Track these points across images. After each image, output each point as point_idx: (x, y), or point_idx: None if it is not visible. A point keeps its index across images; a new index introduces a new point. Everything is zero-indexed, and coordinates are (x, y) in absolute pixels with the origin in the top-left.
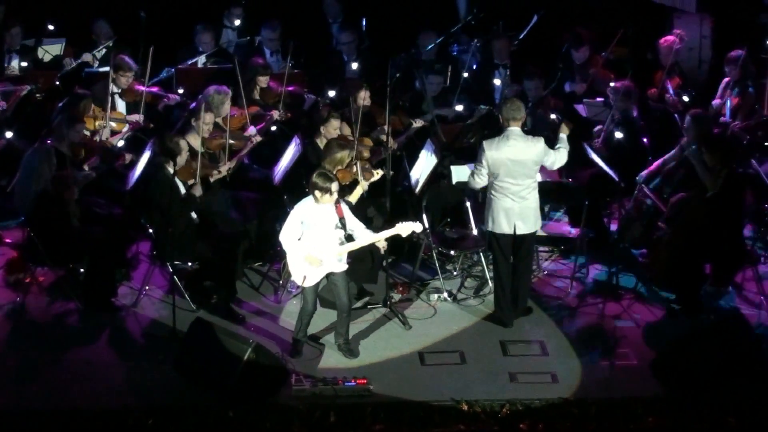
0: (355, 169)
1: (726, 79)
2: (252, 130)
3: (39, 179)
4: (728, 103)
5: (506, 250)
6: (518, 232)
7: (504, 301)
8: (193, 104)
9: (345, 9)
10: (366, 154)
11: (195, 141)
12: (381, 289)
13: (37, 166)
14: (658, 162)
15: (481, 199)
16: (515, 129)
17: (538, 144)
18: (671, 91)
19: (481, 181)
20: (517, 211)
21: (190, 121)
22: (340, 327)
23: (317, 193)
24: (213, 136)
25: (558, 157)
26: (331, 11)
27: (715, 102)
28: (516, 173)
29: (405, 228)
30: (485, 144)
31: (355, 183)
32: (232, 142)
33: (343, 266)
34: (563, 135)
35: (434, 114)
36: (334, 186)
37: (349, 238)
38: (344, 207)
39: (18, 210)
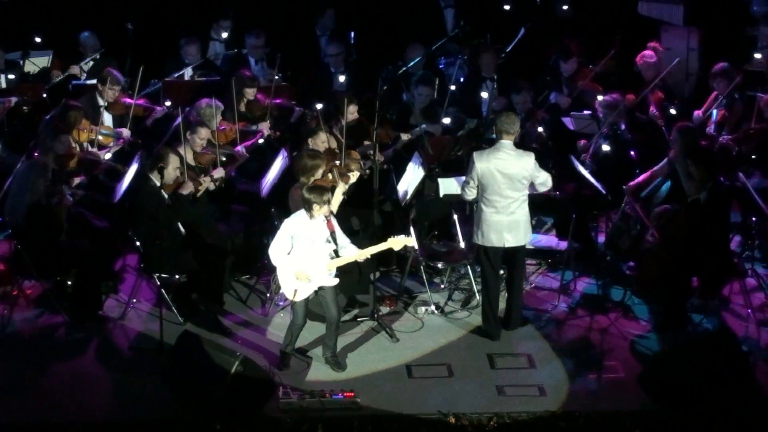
0: (330, 177)
1: (714, 93)
2: (240, 149)
3: (33, 193)
4: (714, 115)
5: (495, 263)
6: (507, 245)
7: (492, 315)
8: (179, 118)
9: (334, 22)
10: (354, 166)
11: (187, 155)
12: (368, 302)
13: (32, 180)
14: (646, 174)
15: (469, 212)
16: (507, 142)
17: (529, 159)
18: (653, 105)
19: (471, 194)
20: (506, 224)
21: (185, 135)
22: (329, 339)
23: (315, 207)
24: (204, 151)
25: (546, 179)
26: (324, 24)
27: (696, 114)
28: (504, 186)
29: (397, 242)
30: (475, 155)
31: (333, 192)
32: (223, 158)
33: (333, 281)
34: None
35: (423, 128)
36: (330, 196)
37: (339, 253)
38: (334, 221)
39: (7, 223)
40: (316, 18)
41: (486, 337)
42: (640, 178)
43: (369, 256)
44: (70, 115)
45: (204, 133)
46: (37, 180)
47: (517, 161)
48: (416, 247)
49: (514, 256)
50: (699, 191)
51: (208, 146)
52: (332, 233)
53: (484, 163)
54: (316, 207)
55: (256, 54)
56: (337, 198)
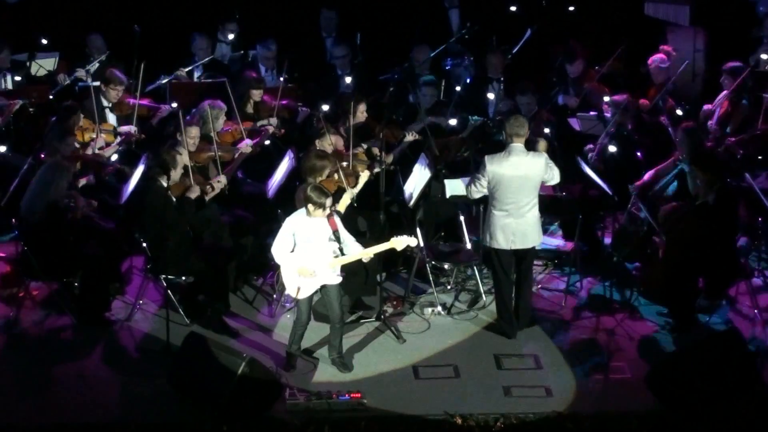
0: (337, 177)
1: (724, 92)
2: (247, 141)
3: (55, 192)
4: (717, 109)
5: (506, 265)
6: (515, 248)
7: (506, 313)
8: (188, 118)
9: (340, 23)
10: (360, 167)
11: (183, 155)
12: (375, 303)
13: (56, 179)
14: (651, 172)
15: (475, 213)
16: (518, 145)
17: (540, 159)
18: (664, 109)
19: (478, 192)
20: (515, 227)
21: (176, 135)
22: (334, 339)
23: (311, 206)
24: (200, 149)
25: (554, 174)
26: (326, 26)
27: (706, 107)
28: (516, 189)
29: (399, 242)
30: (487, 159)
31: (340, 193)
32: (221, 154)
33: (337, 279)
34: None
35: (427, 123)
36: (329, 201)
37: (343, 251)
38: (337, 220)
39: (20, 221)
40: (320, 20)
41: (501, 334)
42: (645, 177)
43: (372, 256)
44: (68, 116)
45: (194, 132)
46: (60, 180)
47: (530, 163)
48: (421, 245)
49: (523, 260)
50: (707, 194)
51: (205, 144)
52: (335, 232)
53: (496, 167)
54: (311, 207)
55: (268, 63)
56: (345, 201)
